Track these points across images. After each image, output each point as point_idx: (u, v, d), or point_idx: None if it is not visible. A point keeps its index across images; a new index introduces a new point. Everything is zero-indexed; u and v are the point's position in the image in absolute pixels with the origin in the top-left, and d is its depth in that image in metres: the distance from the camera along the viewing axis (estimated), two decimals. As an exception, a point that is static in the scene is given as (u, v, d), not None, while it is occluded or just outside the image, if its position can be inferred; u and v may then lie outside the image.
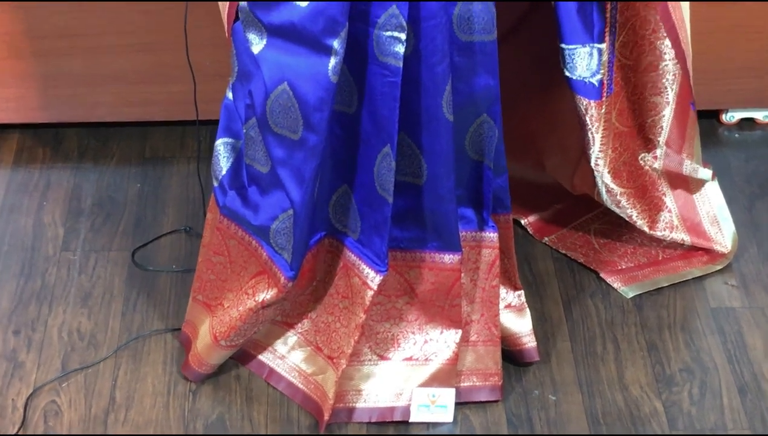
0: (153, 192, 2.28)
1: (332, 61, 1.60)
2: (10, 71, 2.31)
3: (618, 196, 1.99)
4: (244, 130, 1.76)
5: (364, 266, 1.78)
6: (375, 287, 1.77)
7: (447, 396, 1.87)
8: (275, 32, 1.64)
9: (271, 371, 1.93)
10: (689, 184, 2.10)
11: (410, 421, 1.88)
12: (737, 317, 2.04)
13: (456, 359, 1.85)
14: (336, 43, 1.59)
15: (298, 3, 1.60)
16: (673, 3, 1.81)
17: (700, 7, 2.03)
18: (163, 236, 2.18)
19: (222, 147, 1.83)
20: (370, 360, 1.86)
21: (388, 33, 1.62)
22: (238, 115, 1.79)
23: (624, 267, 2.12)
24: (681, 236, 2.08)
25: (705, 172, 2.09)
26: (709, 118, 2.42)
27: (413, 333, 1.86)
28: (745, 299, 2.07)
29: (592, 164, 1.92)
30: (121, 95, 2.34)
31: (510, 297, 1.92)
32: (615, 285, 2.09)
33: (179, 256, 2.15)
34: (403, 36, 1.61)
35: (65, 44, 2.27)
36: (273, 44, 1.65)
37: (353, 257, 1.79)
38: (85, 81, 2.32)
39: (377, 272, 1.77)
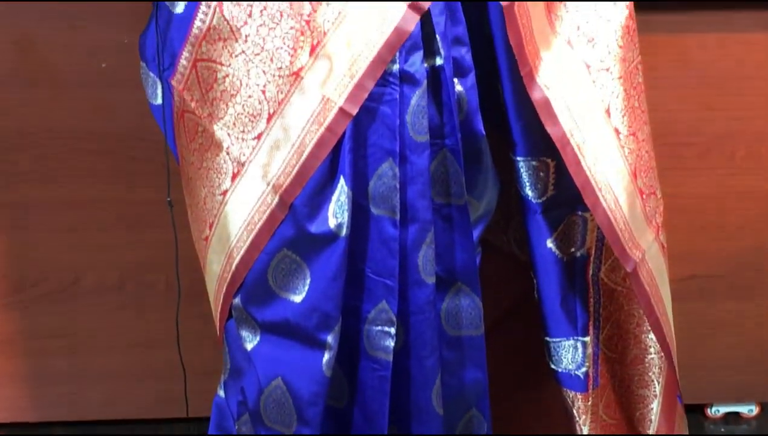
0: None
1: (326, 356, 1.63)
2: (1, 372, 2.33)
3: None
4: (236, 427, 1.76)
5: None
6: None
7: None
8: (269, 329, 1.67)
9: None
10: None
11: None
12: None
13: None
14: (330, 338, 1.63)
15: (292, 300, 1.64)
16: (656, 298, 1.85)
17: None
18: None
19: (214, 445, 1.83)
20: None
21: (378, 327, 1.65)
22: (230, 413, 1.80)
23: None
24: None
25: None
26: (694, 412, 2.44)
27: None
28: None
29: (583, 458, 1.93)
30: (110, 393, 2.35)
31: None
32: None
33: None
34: (392, 330, 1.65)
35: (57, 344, 2.30)
36: (267, 340, 1.68)
37: None
38: (75, 379, 2.34)
39: None
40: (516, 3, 1.55)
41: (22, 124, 2.16)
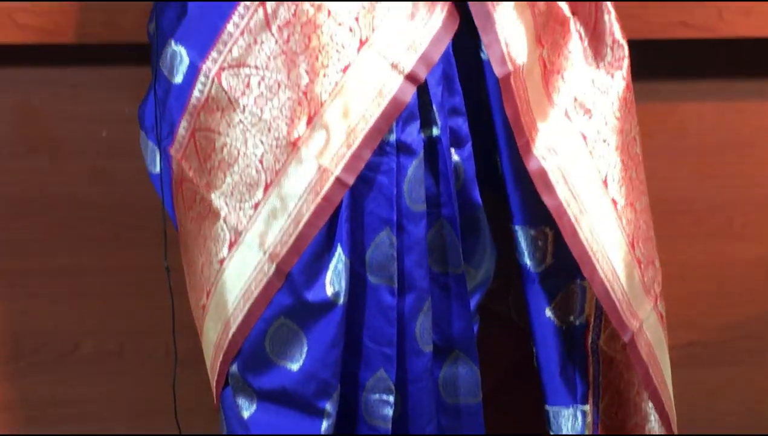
0: None
1: (324, 424, 1.63)
2: (-1, 438, 2.33)
3: None
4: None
5: None
6: None
7: None
8: (266, 397, 1.67)
9: None
10: None
11: None
12: None
13: None
14: (328, 406, 1.62)
15: (290, 368, 1.64)
16: (654, 367, 1.85)
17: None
18: None
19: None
20: None
21: (377, 396, 1.65)
22: (229, 481, 1.79)
23: None
24: None
25: None
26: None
27: None
28: None
29: None
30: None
31: None
32: None
33: None
34: (391, 398, 1.64)
35: (57, 411, 2.30)
36: (264, 408, 1.67)
37: None
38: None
39: None
40: (513, 74, 1.56)
41: (21, 192, 2.17)
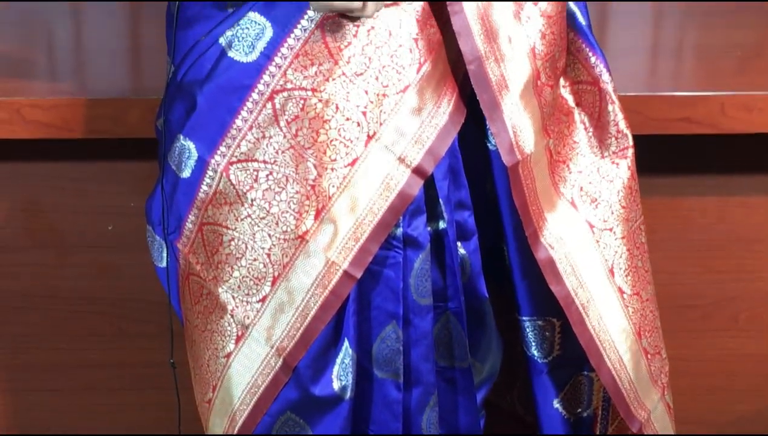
0: None
1: None
2: None
3: None
4: None
5: None
6: None
7: None
8: None
9: None
10: None
11: None
12: None
13: None
14: None
15: None
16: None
17: None
18: None
19: None
20: None
21: None
22: None
23: None
24: None
25: None
26: None
27: None
28: None
29: None
30: None
31: None
32: None
33: None
34: None
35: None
36: None
37: None
38: None
39: None
40: (521, 163, 1.58)
41: (27, 287, 2.17)
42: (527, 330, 1.71)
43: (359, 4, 1.46)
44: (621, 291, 1.69)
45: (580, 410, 1.76)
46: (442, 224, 1.62)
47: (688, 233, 2.18)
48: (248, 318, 1.60)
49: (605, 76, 1.67)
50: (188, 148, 1.58)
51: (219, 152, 1.57)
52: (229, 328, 1.62)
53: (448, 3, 1.53)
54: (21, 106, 1.94)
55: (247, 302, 1.60)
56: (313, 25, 1.52)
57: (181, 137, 1.59)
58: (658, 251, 2.09)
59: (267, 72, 1.54)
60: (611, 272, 1.68)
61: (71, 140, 2.00)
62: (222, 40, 1.55)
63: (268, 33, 1.54)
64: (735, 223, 2.17)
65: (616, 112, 1.68)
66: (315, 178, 1.54)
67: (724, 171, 2.15)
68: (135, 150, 2.03)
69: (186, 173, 1.60)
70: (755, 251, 2.20)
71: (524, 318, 1.70)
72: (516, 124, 1.57)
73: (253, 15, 1.54)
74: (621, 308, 1.69)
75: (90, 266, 2.16)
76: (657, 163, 2.09)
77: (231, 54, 1.55)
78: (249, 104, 1.55)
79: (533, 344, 1.71)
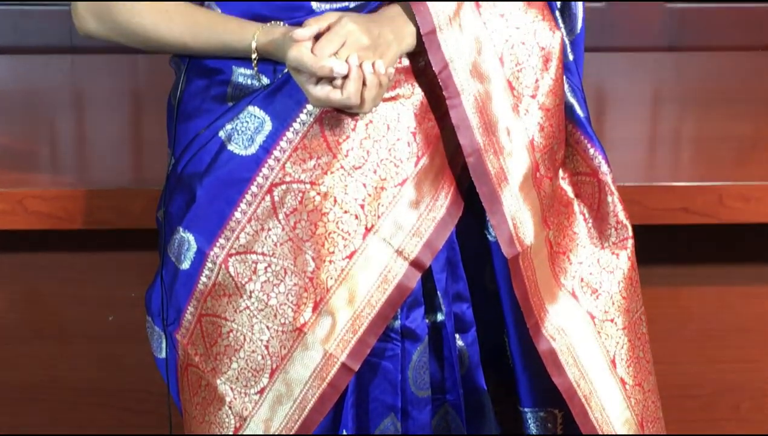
0: None
1: None
2: None
3: None
4: None
5: None
6: None
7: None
8: None
9: None
10: None
11: None
12: None
13: None
14: None
15: None
16: None
17: None
18: None
19: None
20: None
21: None
22: None
23: None
24: None
25: None
26: None
27: None
28: None
29: None
30: None
31: None
32: None
33: None
34: None
35: None
36: None
37: None
38: None
39: None
40: (521, 255, 1.58)
41: (27, 377, 2.17)
42: (529, 422, 1.70)
43: (357, 100, 1.48)
44: (623, 382, 1.68)
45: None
46: (440, 317, 1.62)
47: (688, 322, 2.18)
48: (246, 410, 1.60)
49: (604, 168, 1.68)
50: (187, 240, 1.59)
51: (218, 244, 1.58)
52: (227, 420, 1.62)
53: (446, 97, 1.54)
54: (23, 198, 1.95)
55: (246, 393, 1.60)
56: (311, 119, 1.54)
57: (181, 229, 1.60)
58: (659, 341, 2.08)
59: (266, 165, 1.55)
60: (613, 362, 1.68)
61: (72, 231, 2.01)
62: (222, 134, 1.57)
63: (268, 127, 1.55)
64: (734, 312, 2.17)
65: (615, 203, 1.68)
66: (313, 271, 1.55)
67: (724, 261, 2.16)
68: (136, 241, 2.04)
69: (185, 265, 1.61)
70: (755, 341, 2.19)
71: (526, 410, 1.70)
72: (516, 217, 1.58)
73: (253, 109, 1.56)
74: (623, 399, 1.68)
75: (90, 356, 2.16)
76: (656, 253, 2.10)
77: (230, 147, 1.56)
78: (248, 197, 1.56)
79: (535, 435, 1.70)
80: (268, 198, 1.55)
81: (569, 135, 1.69)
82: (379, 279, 1.55)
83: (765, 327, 2.18)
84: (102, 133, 2.23)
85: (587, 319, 1.66)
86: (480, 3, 1.56)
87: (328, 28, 1.48)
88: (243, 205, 1.56)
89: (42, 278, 2.12)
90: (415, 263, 1.56)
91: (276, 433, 1.58)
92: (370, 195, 1.54)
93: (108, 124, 2.26)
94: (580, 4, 1.69)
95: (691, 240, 2.13)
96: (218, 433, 1.63)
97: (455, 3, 1.54)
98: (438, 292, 1.61)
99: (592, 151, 1.68)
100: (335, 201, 1.54)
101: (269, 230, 1.56)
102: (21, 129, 2.22)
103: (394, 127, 1.55)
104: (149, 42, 1.62)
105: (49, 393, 2.18)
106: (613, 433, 1.67)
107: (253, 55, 1.55)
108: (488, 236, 1.63)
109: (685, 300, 2.17)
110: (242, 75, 1.59)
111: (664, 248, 2.12)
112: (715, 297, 2.16)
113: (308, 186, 1.54)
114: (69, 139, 2.28)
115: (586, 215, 1.70)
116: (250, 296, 1.57)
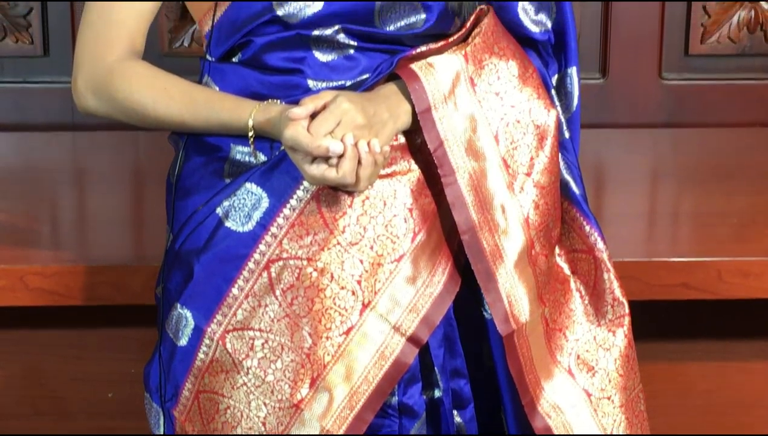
0: None
1: None
2: None
3: None
4: None
5: None
6: None
7: None
8: None
9: None
10: None
11: None
12: None
13: None
14: None
15: None
16: None
17: None
18: None
19: None
20: None
21: None
22: None
23: None
24: None
25: None
26: None
27: None
28: None
29: None
30: None
31: None
32: None
33: None
34: None
35: None
36: None
37: None
38: None
39: None
40: (516, 333, 1.58)
41: (26, 455, 2.17)
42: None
43: (352, 179, 1.49)
44: None
45: None
46: (437, 393, 1.62)
47: (689, 398, 2.18)
48: (243, 488, 1.59)
49: (600, 245, 1.68)
50: (185, 316, 1.60)
51: (215, 321, 1.58)
52: (224, 502, 1.61)
53: (441, 174, 1.55)
54: (24, 274, 1.96)
55: (243, 470, 1.59)
56: (308, 196, 1.55)
57: (178, 306, 1.60)
58: (659, 417, 2.09)
59: (263, 242, 1.56)
60: None
61: (72, 307, 2.01)
62: (219, 210, 1.58)
63: (264, 203, 1.56)
64: (735, 388, 2.17)
65: (611, 281, 1.69)
66: (310, 347, 1.55)
67: (723, 336, 2.16)
68: (135, 317, 2.04)
69: (183, 341, 1.61)
70: (757, 416, 2.19)
71: None
72: (511, 294, 1.58)
73: (250, 185, 1.57)
74: None
75: (89, 433, 2.15)
76: (655, 328, 2.10)
77: (228, 224, 1.57)
78: (245, 273, 1.56)
79: None
80: (265, 274, 1.56)
81: (565, 212, 1.70)
82: (376, 355, 1.55)
83: (765, 403, 2.17)
84: (103, 209, 2.24)
85: (583, 396, 1.66)
86: (475, 81, 1.57)
87: (324, 107, 1.50)
88: (240, 282, 1.57)
89: (42, 354, 2.12)
90: (412, 339, 1.56)
91: (273, 510, 1.58)
92: (366, 271, 1.55)
93: (109, 201, 2.27)
94: (575, 83, 1.71)
95: (690, 315, 2.13)
96: (215, 511, 1.62)
97: (450, 82, 1.56)
98: (435, 368, 1.61)
99: (587, 228, 1.69)
100: (332, 277, 1.54)
101: (266, 306, 1.56)
102: (22, 205, 2.23)
103: (390, 204, 1.56)
104: (148, 119, 1.63)
105: (49, 470, 2.17)
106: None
107: (250, 133, 1.56)
108: (484, 314, 1.64)
109: (685, 375, 2.16)
110: (240, 152, 1.60)
111: (664, 323, 2.12)
112: (716, 372, 2.16)
113: (305, 262, 1.55)
114: (70, 216, 2.29)
115: (583, 292, 1.70)
116: (248, 373, 1.57)
